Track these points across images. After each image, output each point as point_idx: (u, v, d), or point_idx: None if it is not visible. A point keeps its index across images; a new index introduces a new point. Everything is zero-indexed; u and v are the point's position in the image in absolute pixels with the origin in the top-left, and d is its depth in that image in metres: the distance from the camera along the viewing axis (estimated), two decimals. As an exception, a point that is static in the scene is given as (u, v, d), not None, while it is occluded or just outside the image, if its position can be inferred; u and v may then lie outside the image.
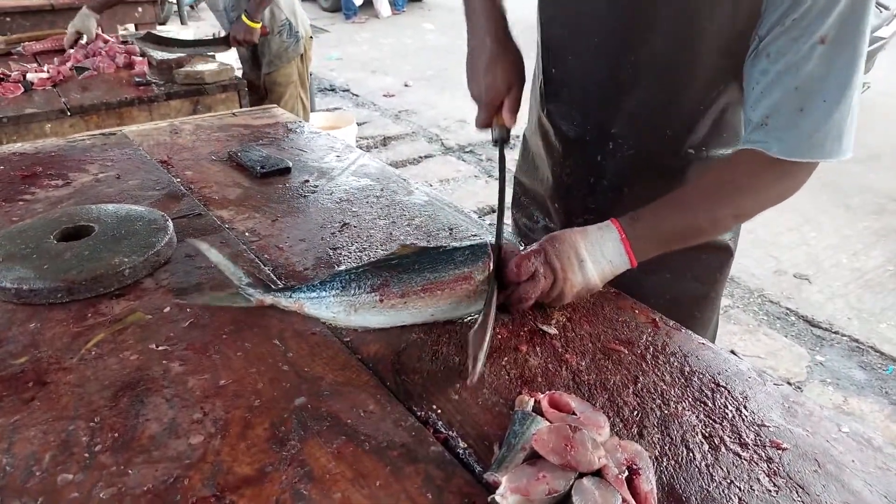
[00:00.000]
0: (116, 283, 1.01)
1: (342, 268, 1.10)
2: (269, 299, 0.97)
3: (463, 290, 0.95)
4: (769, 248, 3.86)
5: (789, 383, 2.85)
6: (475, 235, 1.24)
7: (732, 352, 3.04)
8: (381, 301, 0.94)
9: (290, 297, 0.97)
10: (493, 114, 1.08)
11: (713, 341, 1.36)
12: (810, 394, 2.79)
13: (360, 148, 5.30)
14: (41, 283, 0.96)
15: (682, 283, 1.22)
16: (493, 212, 4.22)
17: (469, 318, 0.98)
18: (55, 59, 2.84)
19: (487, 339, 0.86)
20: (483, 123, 1.10)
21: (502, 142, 1.09)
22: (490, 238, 1.12)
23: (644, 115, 1.09)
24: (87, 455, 0.72)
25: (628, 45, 1.03)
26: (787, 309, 3.35)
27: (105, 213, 1.16)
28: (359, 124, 5.85)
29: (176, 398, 0.80)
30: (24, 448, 0.72)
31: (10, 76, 2.57)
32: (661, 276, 1.20)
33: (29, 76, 2.57)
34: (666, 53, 1.01)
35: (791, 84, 0.87)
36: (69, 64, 2.76)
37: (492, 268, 0.96)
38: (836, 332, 3.17)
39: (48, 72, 2.62)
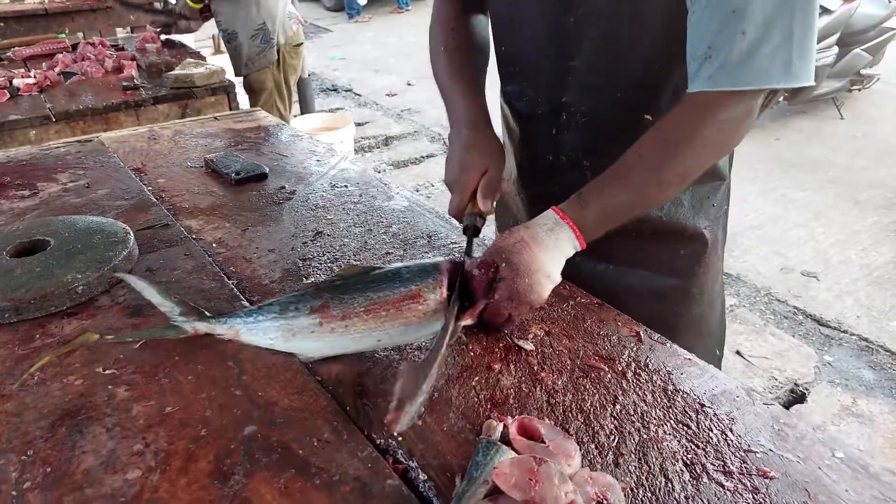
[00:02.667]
0: (69, 300, 0.96)
1: (309, 281, 1.05)
2: (203, 328, 0.90)
3: (412, 312, 0.86)
4: (776, 244, 3.77)
5: (797, 384, 2.77)
6: (454, 243, 1.18)
7: (738, 352, 2.99)
8: (321, 325, 0.86)
9: (225, 323, 0.90)
10: (466, 199, 1.00)
11: (721, 343, 1.30)
12: (818, 395, 2.71)
13: (362, 148, 5.29)
14: (-13, 303, 0.91)
15: (661, 279, 1.17)
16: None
17: (424, 342, 0.90)
18: (44, 63, 2.81)
19: (429, 378, 0.75)
20: (456, 208, 1.01)
21: (473, 231, 1.00)
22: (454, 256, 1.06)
23: (592, 79, 1.04)
24: (14, 493, 0.67)
25: (568, 4, 0.99)
26: (795, 307, 3.27)
27: (63, 225, 1.11)
28: (360, 124, 5.80)
29: (117, 427, 0.75)
30: (-51, 486, 0.68)
31: (-4, 82, 2.54)
32: (637, 273, 1.16)
33: (15, 82, 2.53)
34: (607, 10, 0.96)
35: (727, 6, 0.82)
36: (57, 69, 2.73)
37: (446, 293, 0.87)
38: (844, 331, 3.08)
39: (35, 77, 2.58)
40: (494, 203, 1.02)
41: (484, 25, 1.22)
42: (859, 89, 5.64)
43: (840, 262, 3.61)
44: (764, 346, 3.03)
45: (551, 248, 0.89)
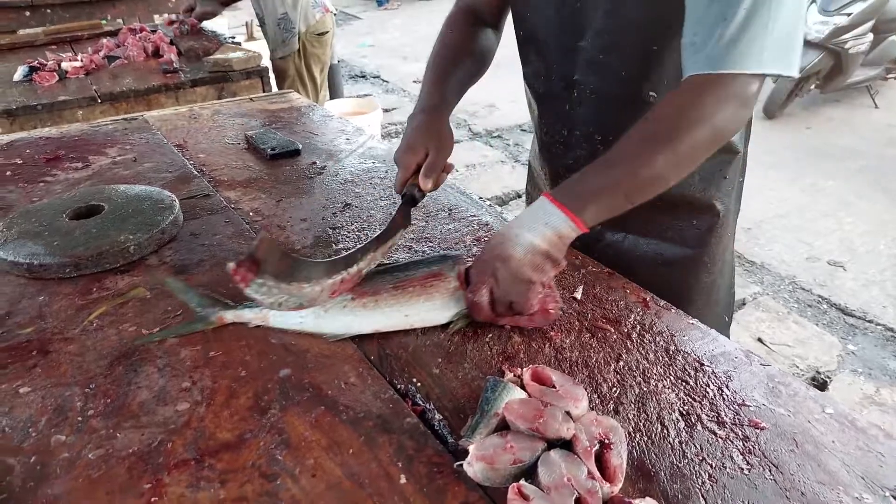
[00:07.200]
0: (122, 259, 1.05)
1: (339, 247, 1.13)
2: (229, 316, 0.93)
3: (436, 289, 0.93)
4: (802, 233, 3.75)
5: (819, 372, 2.78)
6: (473, 216, 1.25)
7: (759, 339, 3.01)
8: (353, 300, 0.92)
9: (254, 308, 0.92)
10: (408, 176, 1.06)
11: (730, 311, 1.34)
12: (840, 383, 2.71)
13: (389, 134, 5.36)
14: (50, 259, 1.01)
15: (673, 248, 1.22)
16: (518, 196, 4.20)
17: (451, 324, 0.93)
18: (89, 48, 2.93)
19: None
20: (399, 184, 1.06)
21: (410, 199, 1.05)
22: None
23: (599, 57, 1.09)
24: (80, 419, 0.76)
25: None
26: (819, 297, 3.26)
27: (116, 193, 1.21)
28: (388, 110, 5.87)
29: (168, 368, 0.84)
30: (23, 411, 0.77)
31: (46, 65, 2.67)
32: (651, 242, 1.22)
33: (64, 65, 2.66)
34: None
35: None
36: (101, 53, 2.85)
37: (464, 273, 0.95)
38: (869, 321, 3.07)
39: (81, 61, 2.70)
40: (435, 185, 1.06)
41: (490, 39, 1.25)
42: (895, 77, 5.53)
43: (867, 252, 3.58)
44: (786, 333, 3.03)
45: (524, 215, 0.91)
